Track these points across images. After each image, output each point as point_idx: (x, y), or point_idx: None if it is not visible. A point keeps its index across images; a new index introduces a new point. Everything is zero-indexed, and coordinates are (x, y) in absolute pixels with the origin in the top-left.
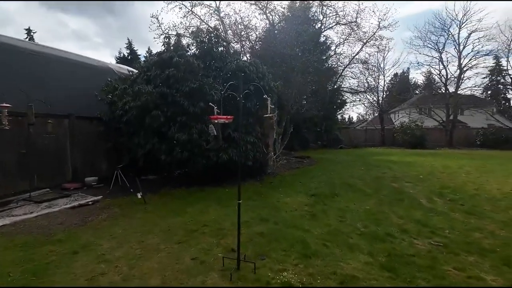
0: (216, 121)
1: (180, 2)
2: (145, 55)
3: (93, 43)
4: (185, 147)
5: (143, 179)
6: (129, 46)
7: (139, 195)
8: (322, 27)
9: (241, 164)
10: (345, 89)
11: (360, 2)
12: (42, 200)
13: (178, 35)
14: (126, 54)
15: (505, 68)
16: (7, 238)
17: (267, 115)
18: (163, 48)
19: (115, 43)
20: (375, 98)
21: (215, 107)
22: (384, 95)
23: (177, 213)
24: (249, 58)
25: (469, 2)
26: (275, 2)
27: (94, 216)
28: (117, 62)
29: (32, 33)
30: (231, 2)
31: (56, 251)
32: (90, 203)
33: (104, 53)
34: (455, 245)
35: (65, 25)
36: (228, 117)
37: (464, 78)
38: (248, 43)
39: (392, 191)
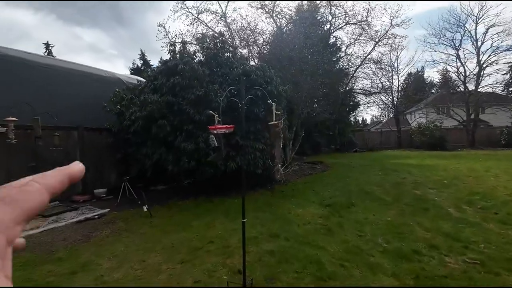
0: (215, 131)
1: (187, 10)
2: (157, 65)
3: (107, 54)
4: (192, 156)
5: (152, 189)
6: (142, 56)
7: (144, 208)
8: (332, 28)
9: (245, 174)
10: (358, 90)
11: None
12: (50, 214)
13: (184, 42)
14: (139, 65)
15: None
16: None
17: (272, 122)
18: (169, 56)
19: (129, 54)
20: (389, 99)
21: (216, 115)
22: (399, 96)
23: (182, 228)
24: (257, 62)
25: None
26: (282, 4)
27: (99, 231)
28: (131, 73)
29: (50, 47)
30: (238, 7)
31: (55, 270)
32: (96, 217)
33: (118, 64)
34: (494, 263)
35: (80, 39)
36: (228, 126)
37: (484, 75)
38: (255, 48)
39: (414, 199)
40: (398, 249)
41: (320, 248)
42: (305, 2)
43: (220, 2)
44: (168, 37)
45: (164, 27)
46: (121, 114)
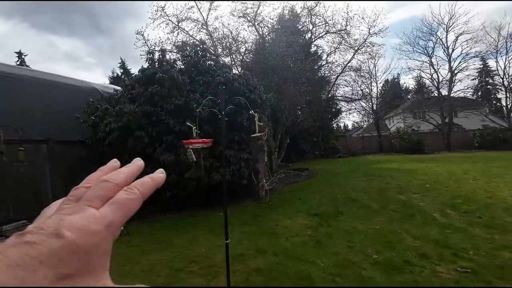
0: (190, 146)
1: (167, 18)
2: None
3: (85, 63)
4: (173, 169)
5: None
6: (122, 65)
7: (121, 227)
8: (312, 37)
9: (227, 187)
10: (339, 97)
11: (349, 10)
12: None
13: (163, 50)
14: (119, 73)
15: (494, 68)
16: None
17: (254, 135)
18: (147, 64)
19: (108, 63)
20: (369, 105)
21: (194, 127)
22: (378, 102)
23: (163, 246)
24: (240, 71)
25: (454, 3)
26: (264, 13)
27: None
28: (111, 82)
29: (23, 56)
30: (219, 15)
31: None
32: None
33: (97, 73)
34: (485, 271)
35: (56, 47)
36: (206, 140)
37: (456, 81)
38: (238, 56)
39: (400, 205)
40: (389, 260)
41: (310, 262)
42: (287, 11)
43: (201, 10)
44: (147, 45)
45: (142, 34)
46: (96, 125)
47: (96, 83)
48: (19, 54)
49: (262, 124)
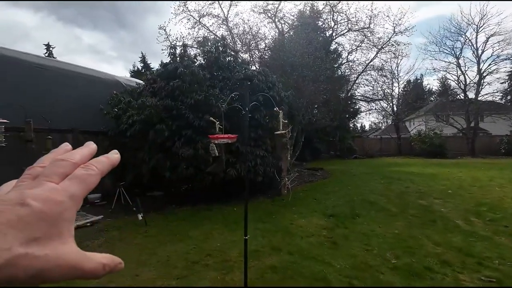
0: (216, 141)
1: (188, 13)
2: (157, 68)
3: (107, 56)
4: (191, 163)
5: (149, 195)
6: (143, 59)
7: (139, 217)
8: (334, 34)
9: (248, 184)
10: (359, 97)
11: (373, 7)
12: None
13: (185, 45)
14: (140, 68)
15: None
16: None
17: (278, 132)
18: (169, 59)
19: (129, 56)
20: (390, 106)
21: (217, 122)
22: (399, 103)
23: (179, 238)
24: (258, 67)
25: (486, 3)
26: (285, 10)
27: (90, 240)
28: (131, 75)
29: (51, 48)
30: (240, 12)
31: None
32: (88, 224)
33: (118, 66)
34: (511, 281)
35: (80, 40)
36: (231, 136)
37: (484, 84)
38: (257, 53)
39: (420, 210)
40: (409, 266)
41: (326, 263)
42: (308, 8)
43: (222, 6)
44: (169, 40)
45: (165, 30)
46: (119, 117)
47: (119, 76)
48: (47, 46)
49: (286, 121)
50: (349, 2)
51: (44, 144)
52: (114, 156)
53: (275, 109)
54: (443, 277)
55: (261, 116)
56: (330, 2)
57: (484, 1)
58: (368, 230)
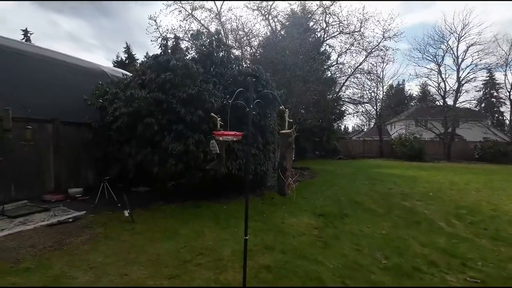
0: (221, 138)
1: (180, 5)
2: (143, 60)
3: (87, 44)
4: (180, 159)
5: (134, 191)
6: (127, 50)
7: (126, 213)
8: (325, 35)
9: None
10: (346, 99)
11: (364, 12)
12: (17, 215)
13: (177, 38)
14: (124, 58)
15: (501, 81)
16: None
17: (284, 131)
18: (160, 51)
19: (111, 46)
20: (374, 109)
21: (219, 119)
22: (383, 106)
23: (168, 236)
24: (249, 64)
25: (468, 14)
26: (279, 8)
27: (73, 237)
28: (115, 66)
29: (29, 34)
30: (233, 7)
31: (20, 284)
32: (70, 220)
33: (99, 55)
34: (494, 282)
35: (58, 26)
36: (237, 133)
37: (462, 91)
38: (249, 50)
39: (405, 211)
40: (398, 266)
41: (319, 263)
42: (299, 8)
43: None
44: (159, 32)
45: (155, 20)
46: (104, 108)
47: (105, 66)
48: (25, 32)
49: (291, 120)
50: (341, 4)
51: (22, 134)
52: None
53: (281, 107)
54: (431, 277)
55: (254, 114)
56: (324, 3)
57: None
58: (357, 230)
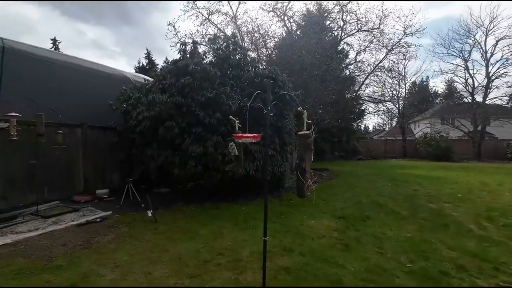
0: (240, 140)
1: (197, 10)
2: (163, 65)
3: (110, 51)
4: (200, 160)
5: (156, 192)
6: (148, 55)
7: (149, 213)
8: (343, 34)
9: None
10: (366, 98)
11: (383, 8)
12: (50, 215)
13: (194, 43)
14: (145, 64)
15: None
16: (5, 261)
17: (302, 133)
18: (179, 56)
19: (132, 52)
20: (396, 107)
21: (237, 121)
22: (405, 104)
23: (189, 236)
24: (265, 66)
25: (497, 4)
26: (295, 9)
27: (101, 236)
28: (136, 72)
29: (57, 43)
30: (248, 9)
31: (53, 281)
32: (98, 219)
33: (121, 62)
34: None
35: (84, 34)
36: (256, 135)
37: (492, 87)
38: (265, 51)
39: (431, 213)
40: (424, 270)
41: (340, 266)
42: (315, 7)
43: (231, 3)
44: (178, 37)
45: (174, 26)
46: (128, 113)
47: (127, 72)
48: (54, 41)
49: (310, 121)
50: (359, 2)
51: (55, 138)
52: None
53: (299, 108)
54: (460, 282)
55: (272, 115)
56: (341, 2)
57: (495, 1)
58: (379, 232)
